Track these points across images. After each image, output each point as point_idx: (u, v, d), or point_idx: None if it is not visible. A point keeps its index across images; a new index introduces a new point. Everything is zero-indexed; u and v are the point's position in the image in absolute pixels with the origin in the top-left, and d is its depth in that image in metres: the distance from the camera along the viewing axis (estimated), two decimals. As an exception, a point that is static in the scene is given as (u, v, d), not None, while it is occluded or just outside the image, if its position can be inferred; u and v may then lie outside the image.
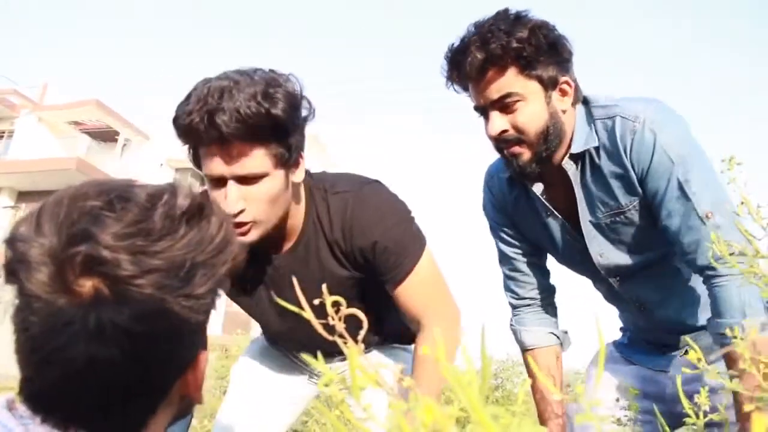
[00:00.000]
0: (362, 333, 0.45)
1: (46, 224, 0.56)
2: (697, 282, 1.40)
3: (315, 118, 1.26)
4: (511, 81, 1.26)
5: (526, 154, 1.31)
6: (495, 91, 1.28)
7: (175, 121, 1.15)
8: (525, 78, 1.26)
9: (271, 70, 1.21)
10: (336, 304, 0.46)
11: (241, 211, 1.18)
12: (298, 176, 1.27)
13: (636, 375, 1.56)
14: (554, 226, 1.47)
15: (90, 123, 21.51)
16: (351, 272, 1.38)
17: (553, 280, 1.65)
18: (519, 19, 1.27)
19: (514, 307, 1.62)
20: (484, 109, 1.32)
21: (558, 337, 1.59)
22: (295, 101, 1.19)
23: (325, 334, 0.44)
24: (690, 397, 1.32)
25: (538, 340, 1.57)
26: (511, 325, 1.63)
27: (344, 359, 1.62)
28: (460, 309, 1.41)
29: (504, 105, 1.28)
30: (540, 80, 1.27)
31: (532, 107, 1.28)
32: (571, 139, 1.35)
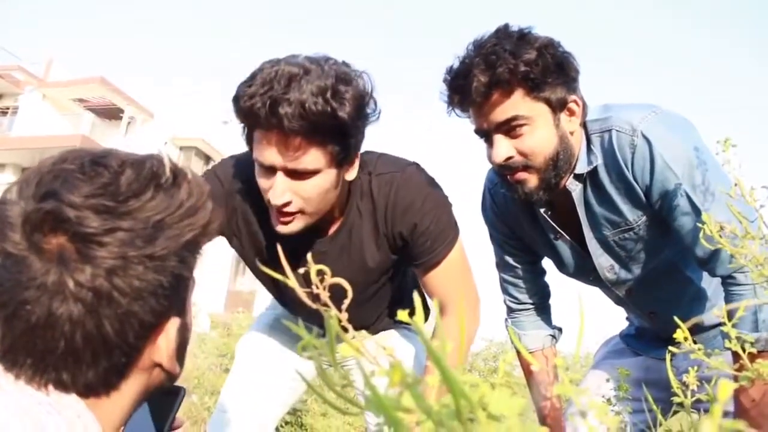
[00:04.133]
0: (346, 302, 0.45)
1: (26, 187, 0.60)
2: (703, 282, 1.40)
3: (379, 120, 1.22)
4: (517, 104, 1.17)
5: (532, 181, 1.23)
6: (500, 114, 1.18)
7: (236, 100, 1.11)
8: (532, 100, 1.17)
9: (345, 63, 1.18)
10: (320, 273, 0.46)
11: (288, 203, 1.17)
12: (350, 175, 1.25)
13: (640, 366, 1.56)
14: (563, 245, 1.43)
15: (94, 100, 21.47)
16: (388, 255, 1.39)
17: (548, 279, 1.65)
18: (524, 38, 1.17)
19: (511, 310, 1.63)
20: (486, 133, 1.24)
21: (554, 337, 1.62)
22: (362, 102, 1.16)
23: (334, 317, 0.45)
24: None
25: (536, 344, 1.60)
26: (507, 326, 1.65)
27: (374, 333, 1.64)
28: (480, 298, 1.44)
29: (509, 128, 1.19)
30: (548, 102, 1.18)
31: (540, 132, 1.19)
32: (576, 160, 1.27)
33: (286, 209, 1.18)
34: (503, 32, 1.19)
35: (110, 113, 22.01)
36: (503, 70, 1.13)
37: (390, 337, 1.63)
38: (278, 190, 1.15)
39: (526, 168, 1.22)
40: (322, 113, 1.06)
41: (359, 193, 1.34)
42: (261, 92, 1.06)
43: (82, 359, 0.60)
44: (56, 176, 0.60)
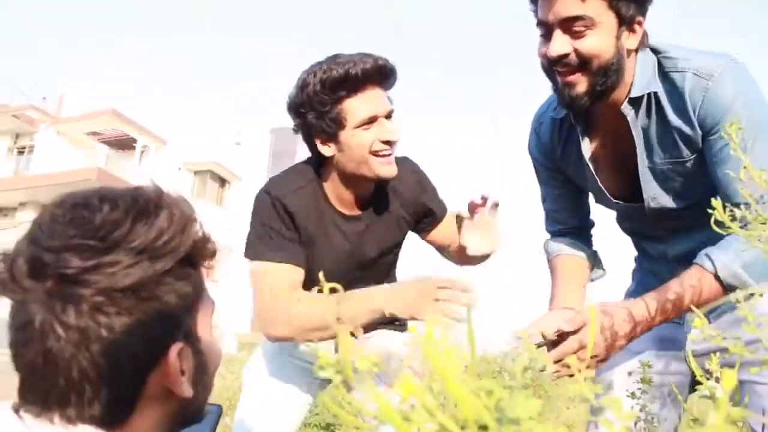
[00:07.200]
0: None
1: (26, 233, 0.64)
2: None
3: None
4: (591, 3, 1.16)
5: (582, 85, 1.23)
6: (568, 8, 1.17)
7: (332, 79, 1.40)
8: (605, 6, 1.17)
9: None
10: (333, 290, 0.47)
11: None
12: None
13: (653, 338, 1.49)
14: (593, 176, 1.43)
15: (107, 132, 21.82)
16: (404, 230, 1.69)
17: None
18: None
19: (552, 234, 1.63)
20: (548, 27, 1.22)
21: (589, 258, 1.58)
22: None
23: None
24: (706, 354, 1.30)
25: (565, 249, 1.58)
26: (545, 248, 1.63)
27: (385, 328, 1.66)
28: None
29: (572, 27, 1.19)
30: (618, 13, 1.18)
31: (601, 38, 1.19)
32: (631, 85, 1.28)
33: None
34: None
35: (123, 144, 22.33)
36: None
37: (385, 335, 1.63)
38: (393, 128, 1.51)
39: (580, 69, 1.22)
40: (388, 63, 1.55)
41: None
42: (353, 61, 1.43)
43: (83, 394, 0.61)
44: (45, 222, 0.63)
